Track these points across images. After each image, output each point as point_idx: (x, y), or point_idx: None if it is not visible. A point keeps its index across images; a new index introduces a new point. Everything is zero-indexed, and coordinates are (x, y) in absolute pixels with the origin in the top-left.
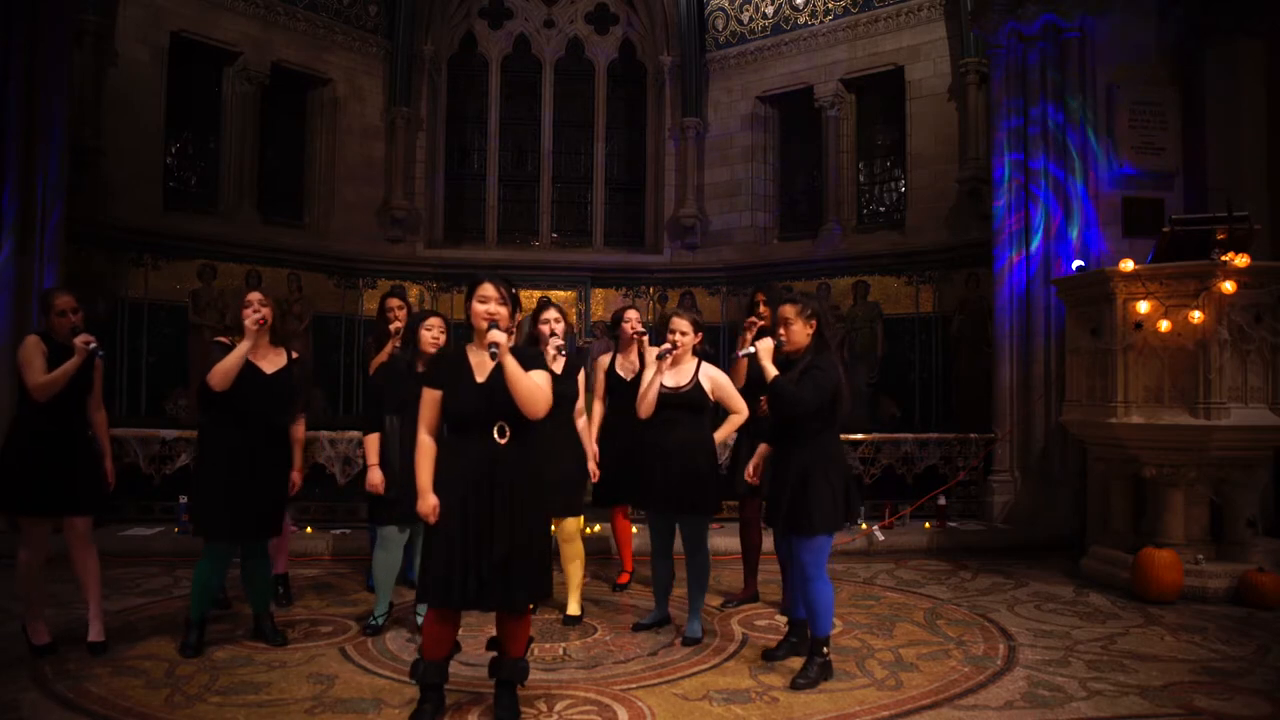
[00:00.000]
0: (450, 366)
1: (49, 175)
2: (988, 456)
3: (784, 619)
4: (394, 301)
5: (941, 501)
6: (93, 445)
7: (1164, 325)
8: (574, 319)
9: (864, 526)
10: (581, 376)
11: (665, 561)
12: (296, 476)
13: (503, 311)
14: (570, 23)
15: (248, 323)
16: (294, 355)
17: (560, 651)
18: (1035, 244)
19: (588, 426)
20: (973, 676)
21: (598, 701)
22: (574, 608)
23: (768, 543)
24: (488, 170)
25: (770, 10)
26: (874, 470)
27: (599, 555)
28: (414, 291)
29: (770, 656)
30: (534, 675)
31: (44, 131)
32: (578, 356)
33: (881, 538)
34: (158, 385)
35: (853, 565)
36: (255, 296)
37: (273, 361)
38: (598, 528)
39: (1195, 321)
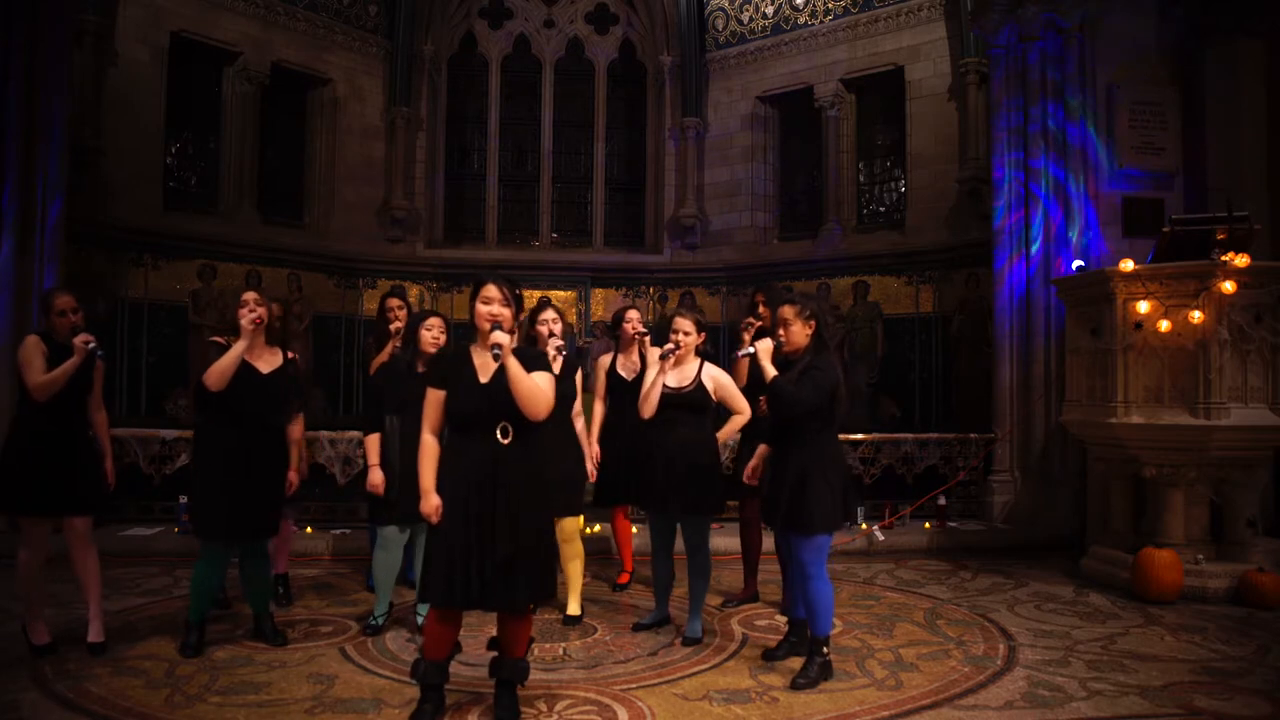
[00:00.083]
0: (453, 367)
1: (49, 175)
2: (988, 456)
3: (784, 619)
4: (394, 301)
5: (941, 501)
6: (93, 445)
7: (1164, 325)
8: (574, 319)
9: (864, 526)
10: (579, 376)
11: (666, 561)
12: (293, 476)
13: (506, 313)
14: (570, 23)
15: (244, 322)
16: (290, 355)
17: (560, 651)
18: (1035, 244)
19: (585, 426)
20: (973, 676)
21: (598, 701)
22: (574, 608)
23: (768, 543)
24: (488, 170)
25: (770, 10)
26: (874, 470)
27: (599, 555)
28: (414, 291)
29: (770, 656)
30: (534, 675)
31: (44, 131)
32: (576, 356)
33: (881, 538)
34: (158, 385)
35: (853, 565)
36: (251, 296)
37: (269, 361)
38: (598, 528)
39: (1195, 321)
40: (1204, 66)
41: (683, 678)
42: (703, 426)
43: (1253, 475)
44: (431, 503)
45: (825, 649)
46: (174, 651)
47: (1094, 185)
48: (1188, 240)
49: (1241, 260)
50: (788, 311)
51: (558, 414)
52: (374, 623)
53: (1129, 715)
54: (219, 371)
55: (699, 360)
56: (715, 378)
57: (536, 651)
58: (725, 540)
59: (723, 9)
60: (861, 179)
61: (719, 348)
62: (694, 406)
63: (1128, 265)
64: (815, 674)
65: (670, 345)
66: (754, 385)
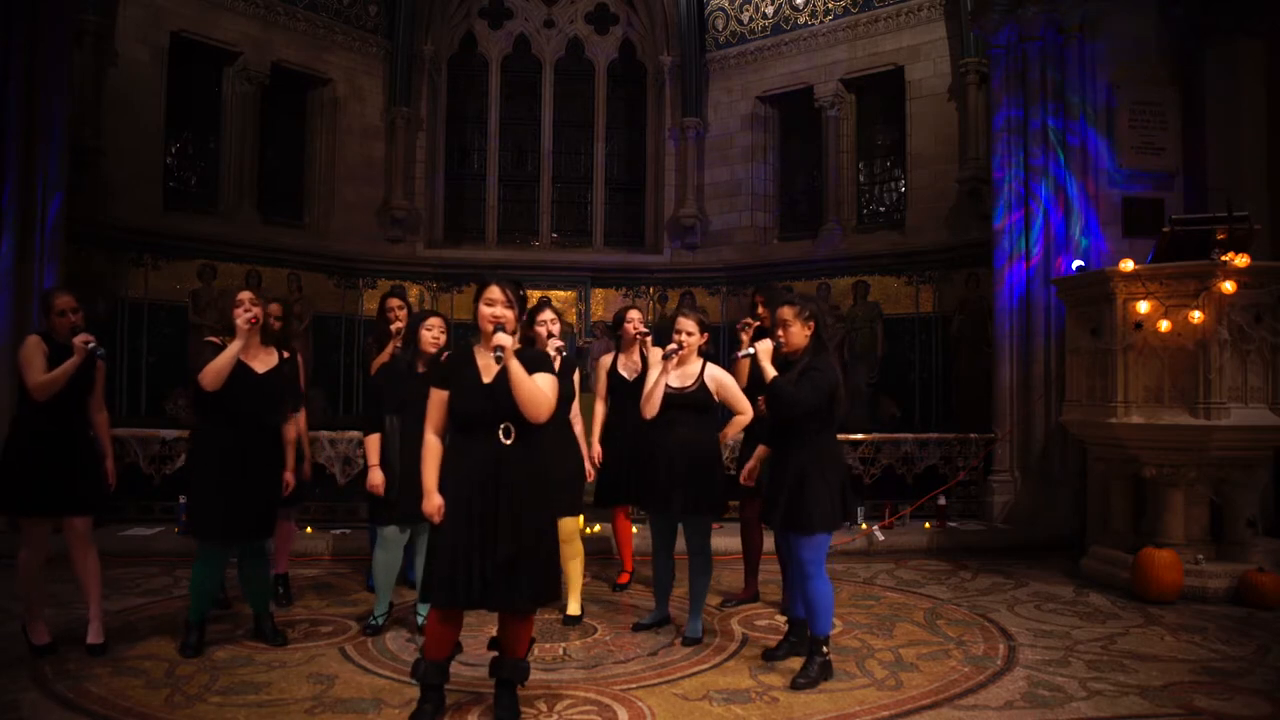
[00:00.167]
0: (456, 367)
1: (49, 175)
2: (988, 456)
3: (784, 619)
4: (394, 302)
5: (941, 501)
6: (94, 445)
7: (1164, 325)
8: (574, 319)
9: (864, 526)
10: (577, 376)
11: (666, 561)
12: (289, 477)
13: (509, 314)
14: (570, 23)
15: (239, 322)
16: (285, 355)
17: (560, 651)
18: (1035, 244)
19: (585, 427)
20: (973, 676)
21: (598, 701)
22: (574, 608)
23: (768, 543)
24: (488, 170)
25: (770, 10)
26: (874, 470)
27: (599, 555)
28: (414, 291)
29: (770, 656)
30: (534, 675)
31: (44, 131)
32: (575, 357)
33: (881, 538)
34: (158, 385)
35: (853, 565)
36: (246, 296)
37: (264, 361)
38: (598, 528)
39: (1195, 321)
40: (1204, 66)
41: (683, 678)
42: (705, 427)
43: (1253, 475)
44: (434, 502)
45: (825, 648)
46: (174, 651)
47: (1094, 185)
48: (1188, 240)
49: (1241, 260)
50: (787, 312)
51: (558, 414)
52: (374, 623)
53: (1129, 715)
54: (214, 371)
55: (701, 360)
56: (717, 378)
57: (536, 651)
58: (725, 540)
59: (723, 9)
60: (861, 179)
61: (719, 348)
62: (697, 407)
63: (1128, 265)
64: (815, 674)
65: (673, 345)
66: (754, 386)
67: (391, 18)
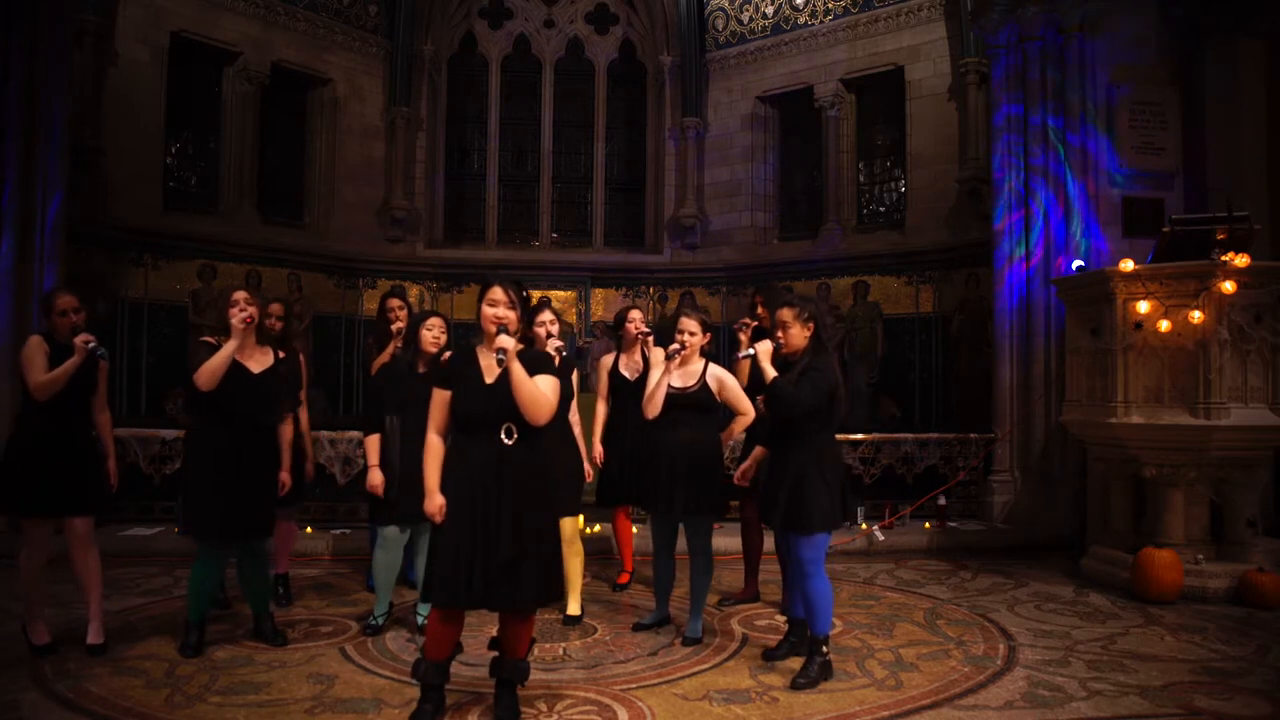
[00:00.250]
0: (459, 367)
1: (49, 175)
2: (988, 456)
3: (784, 619)
4: (394, 302)
5: (941, 501)
6: (96, 446)
7: (1164, 325)
8: (574, 319)
9: (864, 526)
10: (575, 376)
11: (667, 562)
12: (285, 477)
13: (511, 315)
14: (570, 23)
15: (234, 322)
16: (282, 355)
17: (560, 651)
18: (1035, 244)
19: (585, 429)
20: (973, 676)
21: (598, 701)
22: (574, 607)
23: (768, 543)
24: (488, 170)
25: (770, 10)
26: (874, 470)
27: (599, 555)
28: (414, 291)
29: (770, 656)
30: (534, 675)
31: (44, 131)
32: (575, 357)
33: (881, 538)
34: (158, 385)
35: (853, 565)
36: (241, 295)
37: (260, 361)
38: (598, 528)
39: (1195, 321)
40: (1204, 66)
41: (683, 678)
42: (707, 427)
43: (1253, 475)
44: (436, 502)
45: (825, 648)
46: (174, 651)
47: (1094, 185)
48: (1188, 240)
49: (1241, 260)
50: (787, 314)
51: (558, 414)
52: (374, 623)
53: (1129, 715)
54: (209, 371)
55: (704, 361)
56: (720, 378)
57: (537, 651)
58: (725, 540)
59: (723, 9)
60: (861, 179)
61: (719, 348)
62: (699, 407)
63: (1128, 265)
64: (815, 673)
65: (676, 345)
66: (753, 386)
67: (391, 18)
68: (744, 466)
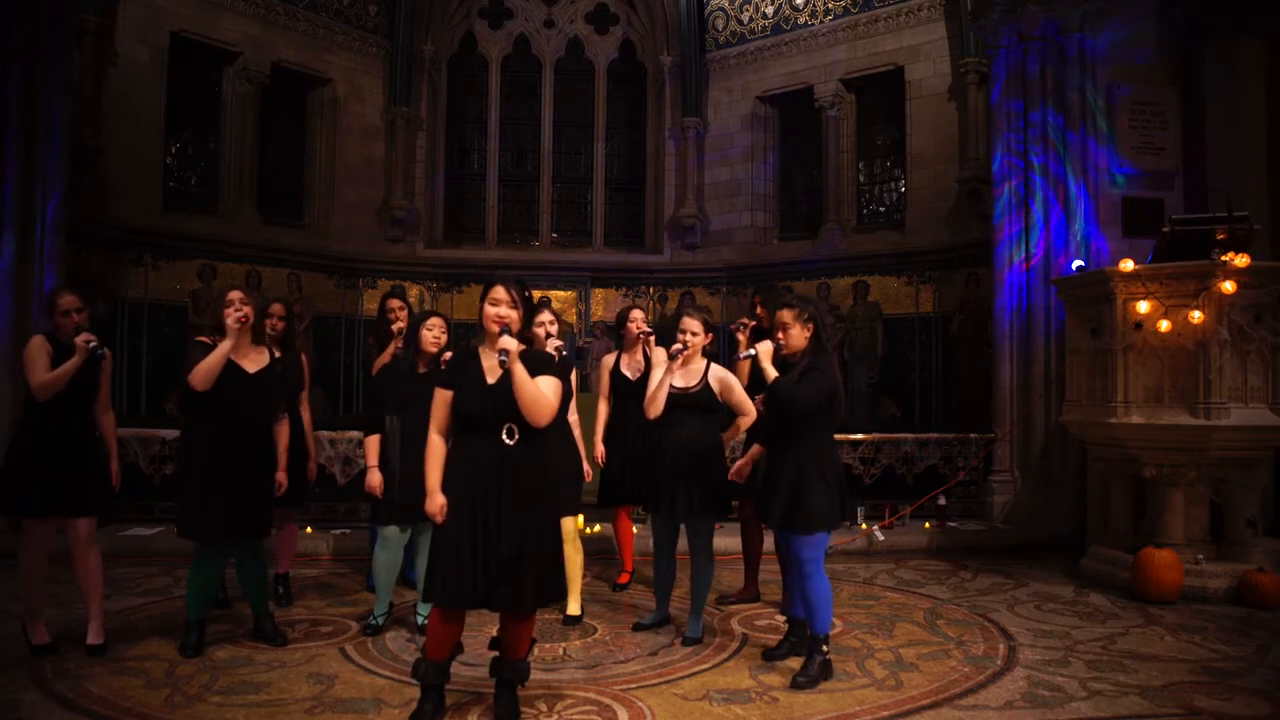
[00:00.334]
0: (462, 367)
1: (49, 175)
2: (988, 456)
3: (784, 619)
4: (395, 302)
5: (941, 501)
6: (99, 446)
7: (1164, 325)
8: (574, 319)
9: (864, 526)
10: (575, 376)
11: (668, 562)
12: (282, 477)
13: (513, 314)
14: (570, 23)
15: (229, 321)
16: (278, 354)
17: (560, 651)
18: (1035, 244)
19: (579, 424)
20: (973, 676)
21: (598, 701)
22: (574, 608)
23: (768, 542)
24: (488, 170)
25: (770, 10)
26: (874, 470)
27: (599, 555)
28: (414, 291)
29: (770, 656)
30: (534, 675)
31: (44, 131)
32: (575, 357)
33: (881, 538)
34: (158, 385)
35: (853, 565)
36: (236, 295)
37: (255, 360)
38: (598, 528)
39: (1195, 321)
40: (1204, 66)
41: (683, 678)
42: (708, 427)
43: (1253, 475)
44: (437, 502)
45: (825, 647)
46: (174, 651)
47: (1094, 185)
48: (1188, 240)
49: (1241, 260)
50: (787, 315)
51: (558, 414)
52: (374, 623)
53: (1129, 715)
54: (204, 371)
55: (706, 361)
56: (722, 379)
57: (536, 651)
58: (725, 540)
59: (723, 9)
60: (861, 179)
61: (719, 348)
62: (701, 407)
63: (1128, 265)
64: (815, 672)
65: (678, 345)
66: (753, 386)
67: (391, 18)
68: (739, 463)
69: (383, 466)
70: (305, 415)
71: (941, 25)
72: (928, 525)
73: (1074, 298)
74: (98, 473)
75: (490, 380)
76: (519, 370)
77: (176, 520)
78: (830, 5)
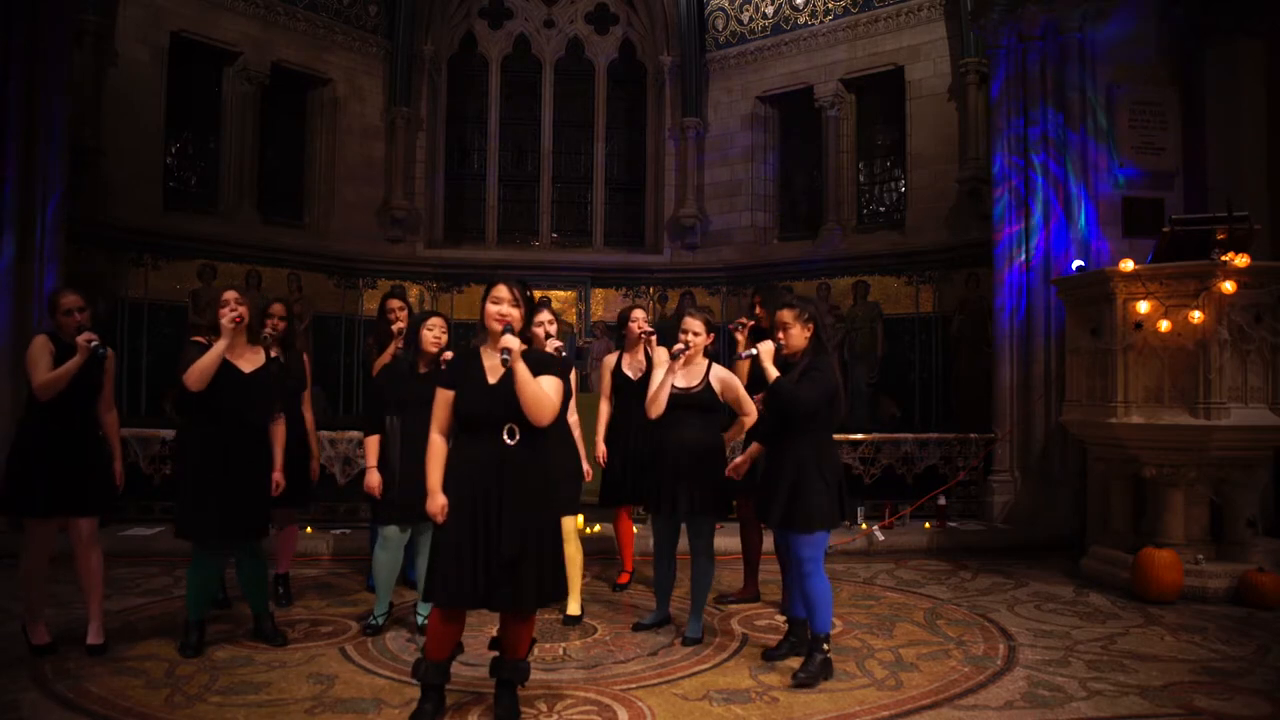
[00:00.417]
0: (463, 367)
1: (49, 175)
2: (988, 456)
3: (784, 619)
4: (395, 303)
5: (941, 501)
6: (102, 446)
7: (1164, 325)
8: (574, 319)
9: (864, 526)
10: (575, 376)
11: (668, 562)
12: (279, 477)
13: (515, 313)
14: (570, 23)
15: (224, 321)
16: (274, 354)
17: (560, 651)
18: (1035, 244)
19: (579, 424)
20: (973, 676)
21: (598, 701)
22: (574, 608)
23: (767, 542)
24: (488, 170)
25: (770, 10)
26: (874, 470)
27: (599, 555)
28: (414, 291)
29: (770, 656)
30: (534, 675)
31: (44, 131)
32: (574, 357)
33: (881, 538)
34: (158, 385)
35: (853, 565)
36: (231, 295)
37: (250, 360)
38: (598, 528)
39: (1195, 321)
40: (1204, 66)
41: (683, 678)
42: (710, 427)
43: (1253, 475)
44: (438, 502)
45: (826, 645)
46: (174, 651)
47: (1094, 185)
48: (1188, 240)
49: (1241, 260)
50: (787, 315)
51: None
52: (374, 623)
53: (1129, 715)
54: (199, 371)
55: (707, 361)
56: (723, 379)
57: (536, 651)
58: (725, 540)
59: (723, 9)
60: (861, 179)
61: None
62: (702, 407)
63: (1128, 265)
64: (816, 670)
65: (680, 345)
66: (752, 385)
67: (391, 18)
68: (737, 461)
69: (383, 467)
70: (308, 415)
71: (941, 25)
72: (928, 525)
73: (1074, 298)
74: (100, 472)
75: (492, 380)
76: (521, 369)
77: (174, 520)
78: (830, 5)
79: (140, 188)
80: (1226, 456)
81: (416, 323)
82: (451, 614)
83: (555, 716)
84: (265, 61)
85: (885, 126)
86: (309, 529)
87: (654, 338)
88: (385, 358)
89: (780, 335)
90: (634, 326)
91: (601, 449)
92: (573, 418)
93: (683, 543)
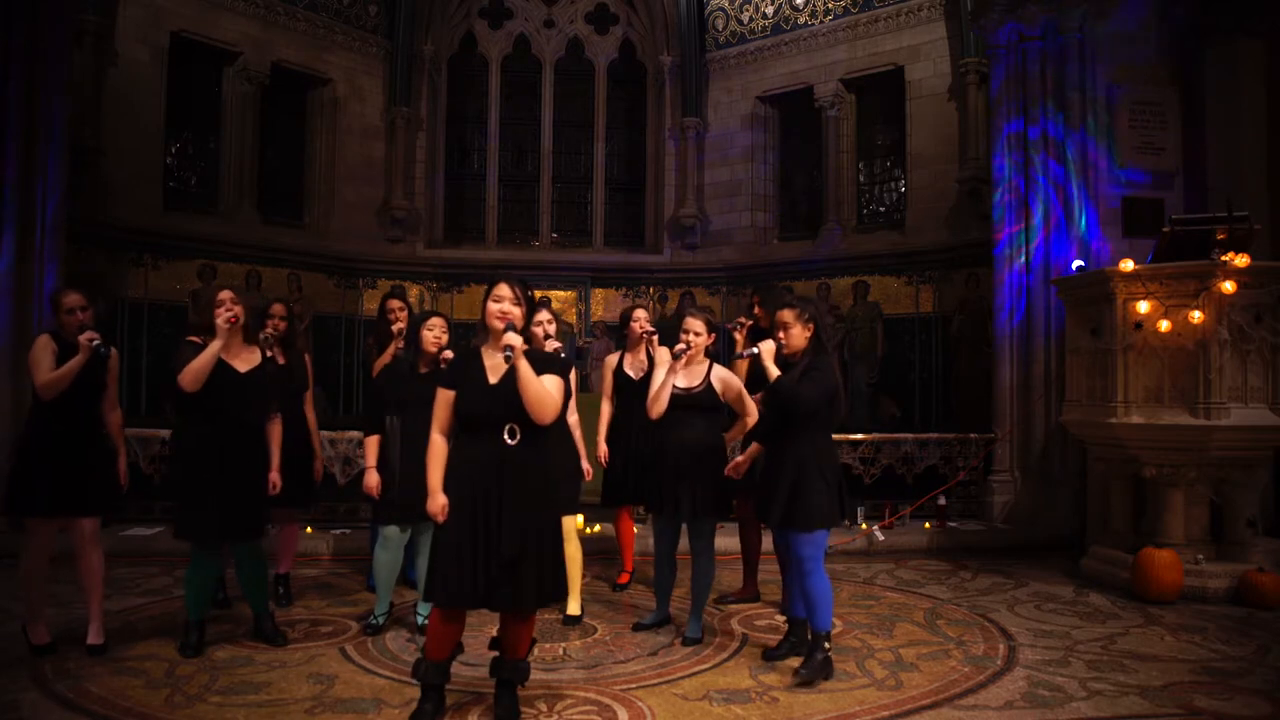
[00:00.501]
0: (463, 367)
1: (49, 175)
2: (988, 456)
3: (784, 619)
4: (395, 303)
5: (941, 501)
6: (105, 445)
7: (1164, 325)
8: (574, 319)
9: (864, 526)
10: (575, 375)
11: (669, 562)
12: (275, 477)
13: (516, 311)
14: (570, 23)
15: (219, 321)
16: (270, 354)
17: (560, 651)
18: (1035, 244)
19: (579, 424)
20: (973, 676)
21: (598, 701)
22: (574, 607)
23: (767, 542)
24: (488, 170)
25: (770, 10)
26: (874, 470)
27: (600, 555)
28: (414, 291)
29: (770, 656)
30: (534, 675)
31: (44, 131)
32: (574, 357)
33: (881, 538)
34: (158, 385)
35: (853, 565)
36: (227, 295)
37: (246, 360)
38: (598, 528)
39: (1195, 321)
40: (1204, 66)
41: (683, 678)
42: (711, 427)
43: (1253, 475)
44: (438, 502)
45: (826, 644)
46: (174, 651)
47: (1094, 185)
48: (1188, 240)
49: (1241, 260)
50: (787, 315)
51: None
52: (374, 623)
53: (1129, 715)
54: (194, 371)
55: (709, 361)
56: (725, 379)
57: (537, 651)
58: (725, 540)
59: (723, 9)
60: (861, 179)
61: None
62: (703, 407)
63: (1128, 265)
64: (816, 668)
65: (681, 345)
66: (752, 384)
67: (391, 18)
68: (737, 460)
69: (383, 467)
70: (310, 415)
71: (941, 25)
72: (928, 525)
73: (1074, 298)
74: (102, 472)
75: (493, 380)
76: (524, 367)
77: (173, 521)
78: (830, 5)
79: (140, 188)
80: (1226, 456)
81: (416, 323)
82: (451, 614)
83: (555, 716)
84: (265, 61)
85: (885, 126)
86: (309, 529)
87: (656, 337)
88: (385, 358)
89: (781, 335)
90: (636, 326)
91: (603, 449)
92: (573, 417)
93: (683, 543)
